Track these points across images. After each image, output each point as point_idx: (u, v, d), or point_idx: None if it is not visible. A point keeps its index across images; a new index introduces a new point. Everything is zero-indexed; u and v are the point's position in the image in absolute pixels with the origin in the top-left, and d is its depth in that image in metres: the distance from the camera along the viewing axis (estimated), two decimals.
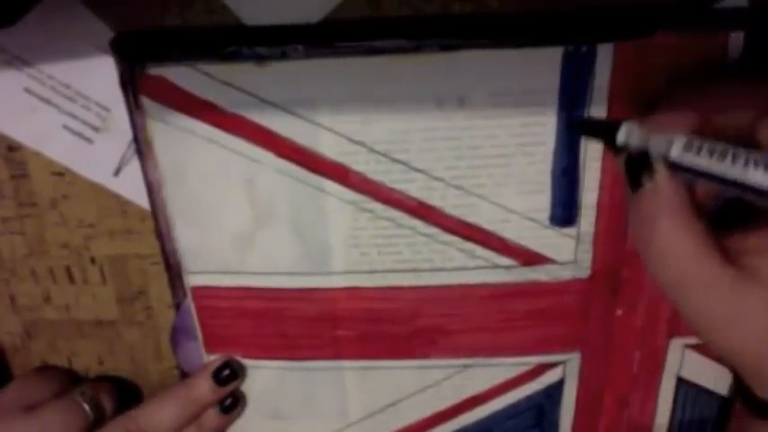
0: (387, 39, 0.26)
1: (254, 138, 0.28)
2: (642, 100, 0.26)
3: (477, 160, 0.28)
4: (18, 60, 0.30)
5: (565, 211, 0.29)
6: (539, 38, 0.26)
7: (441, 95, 0.27)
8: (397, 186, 0.28)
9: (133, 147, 0.30)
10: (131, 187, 0.32)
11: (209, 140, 0.28)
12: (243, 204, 0.29)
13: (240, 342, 0.32)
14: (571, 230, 0.29)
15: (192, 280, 0.31)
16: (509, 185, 0.28)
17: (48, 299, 0.35)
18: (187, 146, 0.28)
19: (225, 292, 0.31)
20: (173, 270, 0.31)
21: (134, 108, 0.28)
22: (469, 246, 0.29)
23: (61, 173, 0.32)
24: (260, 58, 0.26)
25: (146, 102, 0.27)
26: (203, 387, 0.32)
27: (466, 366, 0.32)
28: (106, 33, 0.28)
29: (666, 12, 0.26)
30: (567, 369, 0.32)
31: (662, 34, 0.25)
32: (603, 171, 0.28)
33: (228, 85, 0.26)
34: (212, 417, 0.33)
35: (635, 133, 0.23)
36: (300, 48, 0.26)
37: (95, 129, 0.31)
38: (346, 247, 0.30)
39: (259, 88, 0.27)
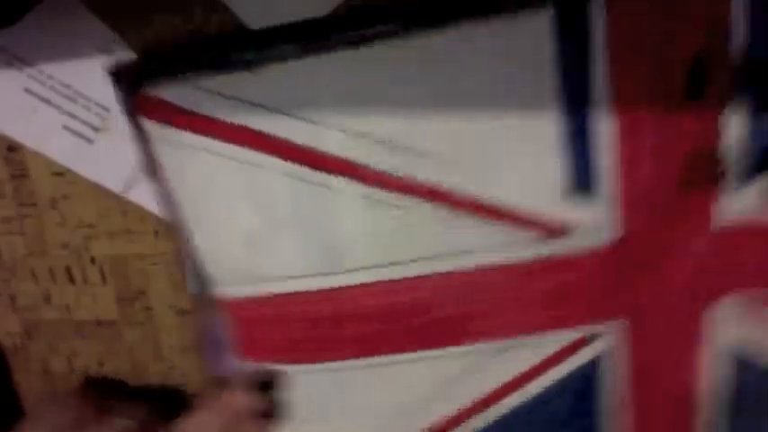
0: (373, 26, 0.25)
1: (256, 145, 0.27)
2: (643, 55, 0.26)
3: (483, 138, 0.27)
4: (18, 60, 0.30)
5: (582, 177, 0.28)
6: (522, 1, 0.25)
7: (437, 79, 0.26)
8: (406, 174, 0.28)
9: (140, 167, 0.30)
10: (132, 188, 0.32)
11: (214, 153, 0.28)
12: (254, 212, 0.29)
13: (271, 348, 0.32)
14: (591, 196, 0.28)
15: (219, 292, 0.31)
16: (520, 159, 0.27)
17: (48, 299, 0.35)
18: (192, 161, 0.28)
19: (250, 302, 0.31)
20: (201, 285, 0.31)
21: (137, 130, 0.28)
22: (488, 226, 0.28)
23: (61, 173, 0.32)
24: (250, 64, 0.26)
25: (147, 123, 0.27)
26: (242, 397, 0.32)
27: (503, 349, 0.31)
28: (106, 33, 0.28)
29: None
30: (611, 338, 0.30)
31: None
32: (615, 131, 0.27)
33: (223, 96, 0.26)
34: (251, 427, 0.32)
35: None
36: (290, 47, 0.25)
37: (95, 129, 0.31)
38: (364, 244, 0.29)
39: (255, 95, 0.26)
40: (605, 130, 0.27)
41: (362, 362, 0.32)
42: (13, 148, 0.32)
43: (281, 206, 0.29)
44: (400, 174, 0.28)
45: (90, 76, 0.30)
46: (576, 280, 0.29)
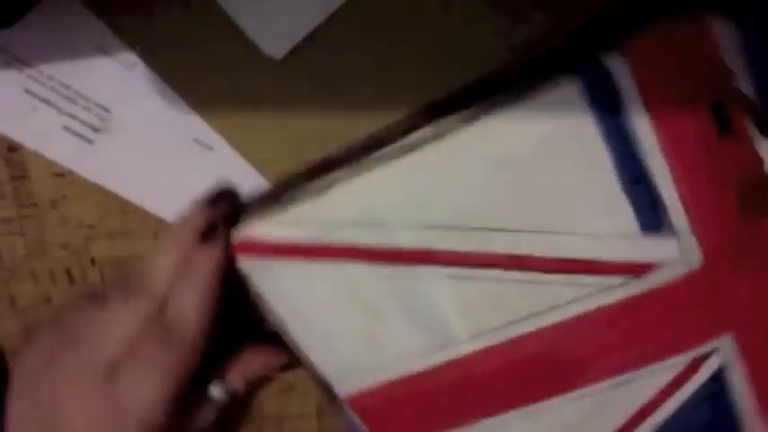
0: (403, 138, 0.27)
1: (341, 257, 0.30)
2: (671, 103, 0.27)
3: (546, 201, 0.29)
4: (18, 61, 0.30)
5: (652, 216, 0.29)
6: (545, 79, 0.26)
7: (482, 167, 0.28)
8: (482, 249, 0.30)
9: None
10: (132, 188, 0.32)
11: (306, 273, 0.30)
12: (356, 314, 0.31)
13: (408, 430, 0.34)
14: (666, 230, 0.29)
15: (344, 392, 0.33)
16: (588, 215, 0.29)
17: (48, 300, 0.35)
18: (289, 284, 0.30)
19: (375, 393, 0.33)
20: (327, 390, 0.33)
21: (237, 270, 0.30)
22: (575, 278, 0.30)
23: (61, 174, 0.32)
24: (313, 193, 0.28)
25: (243, 261, 0.30)
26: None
27: (620, 384, 0.32)
28: (106, 33, 0.28)
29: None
30: (722, 353, 0.31)
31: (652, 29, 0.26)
32: (669, 162, 0.28)
33: (300, 223, 0.29)
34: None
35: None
36: (340, 174, 0.28)
37: (95, 129, 0.31)
38: (462, 317, 0.31)
39: (325, 216, 0.29)
40: (660, 171, 0.28)
41: (494, 420, 0.33)
42: (13, 148, 0.32)
43: (380, 303, 0.31)
44: (478, 250, 0.30)
45: (90, 77, 0.30)
46: (671, 310, 0.31)
